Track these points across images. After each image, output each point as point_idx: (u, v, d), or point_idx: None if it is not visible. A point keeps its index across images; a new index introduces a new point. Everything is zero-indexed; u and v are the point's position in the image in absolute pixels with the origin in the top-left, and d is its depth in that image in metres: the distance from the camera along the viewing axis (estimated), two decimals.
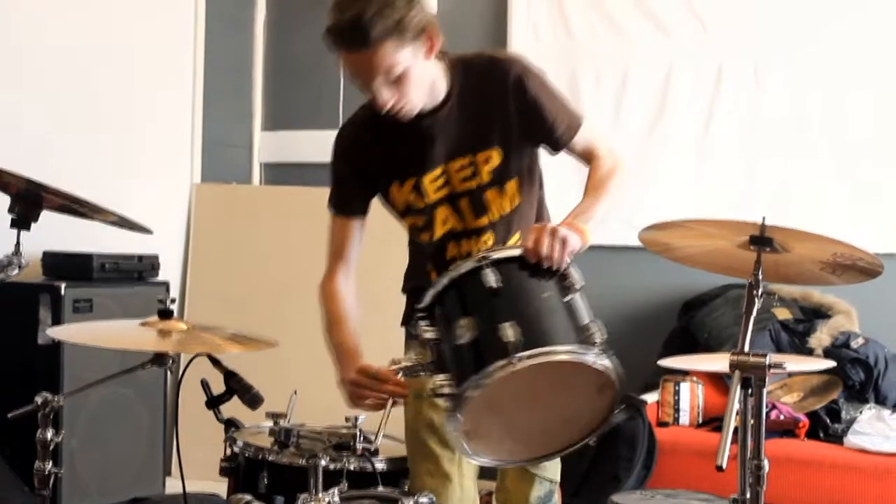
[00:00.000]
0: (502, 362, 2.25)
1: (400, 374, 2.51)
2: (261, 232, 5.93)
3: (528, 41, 5.80)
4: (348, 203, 2.97)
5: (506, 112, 2.79)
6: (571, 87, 5.69)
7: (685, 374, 4.90)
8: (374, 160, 2.89)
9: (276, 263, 5.69)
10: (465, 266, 2.43)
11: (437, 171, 2.84)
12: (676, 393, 4.88)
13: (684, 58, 5.56)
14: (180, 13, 6.09)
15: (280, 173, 6.24)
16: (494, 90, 2.79)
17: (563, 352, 2.31)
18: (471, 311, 2.37)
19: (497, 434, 2.46)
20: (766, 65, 5.43)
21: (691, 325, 5.26)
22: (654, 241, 2.69)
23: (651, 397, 4.96)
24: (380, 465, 2.81)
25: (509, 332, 2.26)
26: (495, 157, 2.82)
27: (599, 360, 2.33)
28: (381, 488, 2.74)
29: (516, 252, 2.45)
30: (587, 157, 2.87)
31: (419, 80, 2.69)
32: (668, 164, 5.57)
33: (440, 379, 2.36)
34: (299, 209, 5.69)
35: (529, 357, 2.26)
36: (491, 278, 2.36)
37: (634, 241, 2.74)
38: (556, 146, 2.87)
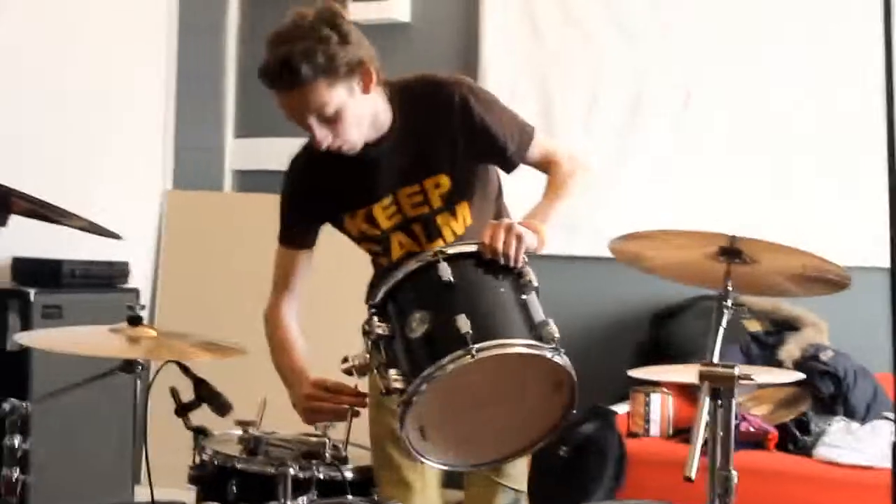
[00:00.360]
0: (458, 353, 2.23)
1: (353, 373, 2.49)
2: (232, 239, 5.91)
3: (499, 50, 5.82)
4: (297, 237, 2.99)
5: (452, 137, 2.78)
6: (542, 95, 5.71)
7: (656, 385, 4.91)
8: (322, 195, 2.90)
9: (248, 271, 5.65)
10: (420, 261, 2.42)
11: (387, 201, 2.85)
12: (647, 404, 4.89)
13: (655, 67, 5.58)
14: (152, 18, 6.07)
15: (252, 180, 6.23)
16: (439, 115, 2.77)
17: (519, 345, 2.30)
18: (424, 305, 2.35)
19: (452, 436, 2.44)
20: (737, 74, 5.45)
21: (662, 336, 5.28)
22: (624, 251, 2.70)
23: (621, 408, 4.97)
24: (349, 474, 2.80)
25: (464, 324, 2.24)
26: (444, 183, 2.82)
27: (556, 356, 2.32)
28: (350, 497, 2.73)
29: (472, 248, 2.44)
30: (545, 165, 2.86)
31: (356, 116, 2.68)
32: (639, 174, 5.58)
33: (392, 374, 2.33)
34: (271, 217, 5.64)
35: (486, 349, 2.24)
36: (446, 272, 2.34)
37: (605, 252, 2.74)
38: (509, 166, 2.87)
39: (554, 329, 2.36)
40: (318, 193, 2.91)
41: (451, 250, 2.42)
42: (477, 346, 2.23)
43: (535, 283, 2.43)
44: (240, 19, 6.36)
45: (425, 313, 2.33)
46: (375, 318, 2.41)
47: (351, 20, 2.66)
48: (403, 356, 2.35)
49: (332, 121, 2.65)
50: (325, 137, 2.67)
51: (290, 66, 2.56)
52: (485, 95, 2.84)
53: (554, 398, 2.40)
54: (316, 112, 2.62)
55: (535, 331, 2.34)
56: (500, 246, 2.40)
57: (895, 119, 1.69)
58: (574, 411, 2.42)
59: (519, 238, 2.42)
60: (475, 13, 5.91)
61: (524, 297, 2.40)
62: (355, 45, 2.64)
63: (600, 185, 5.38)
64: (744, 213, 5.31)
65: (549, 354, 2.30)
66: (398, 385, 2.31)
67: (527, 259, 2.46)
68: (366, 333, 2.40)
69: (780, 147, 5.38)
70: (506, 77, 5.79)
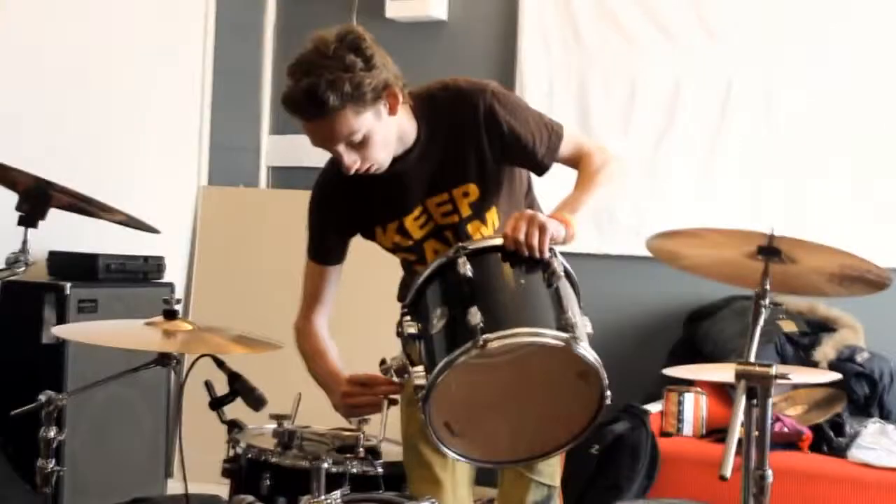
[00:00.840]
0: (468, 345, 2.21)
1: (391, 375, 2.49)
2: (267, 235, 5.93)
3: (538, 50, 5.81)
4: (327, 253, 2.99)
5: (479, 145, 2.74)
6: (581, 96, 5.70)
7: (689, 384, 4.89)
8: (352, 212, 2.89)
9: (282, 266, 5.67)
10: (442, 258, 2.41)
11: (417, 212, 2.83)
12: (680, 403, 4.87)
13: (694, 68, 5.56)
14: (190, 17, 6.10)
15: (287, 177, 6.25)
16: (465, 124, 2.73)
17: (529, 334, 2.26)
18: (446, 300, 2.35)
19: (480, 431, 2.43)
20: (776, 77, 5.42)
21: (696, 335, 5.26)
22: (661, 249, 2.67)
23: (655, 407, 4.95)
24: (382, 469, 2.81)
25: (476, 316, 2.23)
26: (473, 191, 2.80)
27: (574, 346, 2.26)
28: (383, 492, 2.74)
29: (495, 242, 2.43)
30: (576, 160, 2.81)
31: (384, 139, 2.65)
32: (677, 173, 5.56)
33: (416, 371, 2.32)
34: (306, 213, 5.68)
35: (495, 339, 2.21)
36: (466, 267, 2.33)
37: (641, 251, 2.72)
38: (539, 169, 2.83)
39: (579, 321, 2.33)
40: (348, 210, 2.90)
41: (472, 245, 2.41)
42: (486, 336, 2.21)
43: (562, 274, 2.39)
44: (276, 17, 6.38)
45: (445, 308, 2.34)
46: (406, 318, 2.41)
47: (373, 41, 2.62)
48: (425, 352, 2.35)
49: (361, 146, 2.62)
50: (353, 163, 2.64)
51: (316, 96, 2.51)
52: (510, 100, 2.80)
53: (583, 393, 2.37)
54: (345, 139, 2.59)
55: (556, 321, 2.29)
56: (521, 237, 2.37)
57: None
58: (606, 405, 2.37)
59: (542, 228, 2.39)
60: (513, 11, 5.91)
61: (551, 288, 2.37)
62: (380, 67, 2.58)
63: (638, 185, 5.48)
64: (783, 211, 5.29)
65: (563, 343, 2.25)
66: (419, 381, 2.30)
67: (554, 250, 2.43)
68: (399, 334, 2.40)
69: (820, 146, 5.34)
70: (543, 76, 5.78)
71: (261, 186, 6.30)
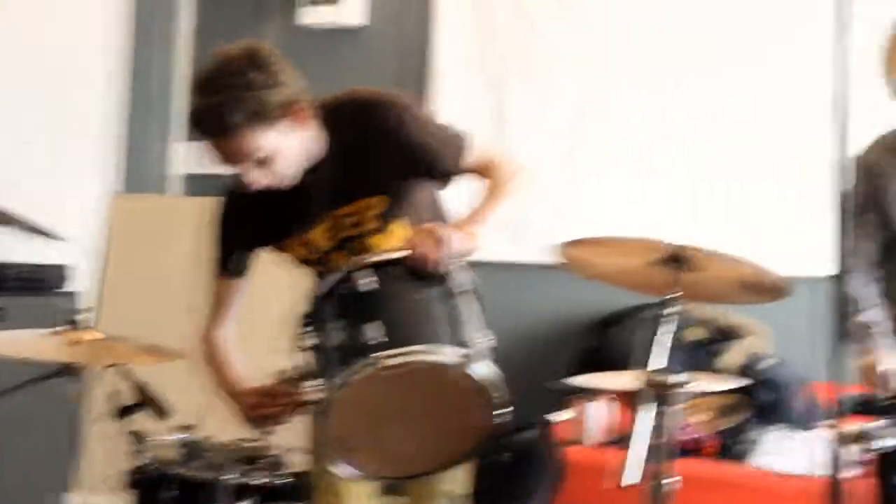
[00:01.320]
0: (362, 363, 2.22)
1: (290, 385, 2.48)
2: (178, 243, 5.86)
3: (451, 53, 5.81)
4: (234, 267, 2.96)
5: (384, 157, 2.73)
6: (495, 99, 5.71)
7: (598, 392, 4.92)
8: (259, 225, 2.87)
9: (194, 275, 5.63)
10: (343, 270, 2.40)
11: (325, 224, 2.82)
12: (587, 412, 4.90)
13: (607, 71, 5.60)
14: (105, 21, 6.01)
15: (201, 184, 6.18)
16: (371, 135, 2.72)
17: (423, 352, 2.27)
18: (344, 314, 2.34)
19: (379, 446, 2.44)
20: (690, 81, 5.49)
21: (606, 343, 5.31)
22: (570, 257, 2.70)
23: (563, 416, 4.98)
24: (288, 480, 2.79)
25: (372, 333, 2.24)
26: (379, 204, 2.79)
27: (468, 365, 2.28)
28: (289, 502, 2.73)
29: (397, 255, 2.42)
30: (482, 172, 2.80)
31: (290, 155, 2.63)
32: (589, 180, 5.59)
33: (311, 385, 2.32)
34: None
35: (391, 357, 2.23)
36: (365, 281, 2.33)
37: (551, 259, 2.74)
38: (445, 179, 2.84)
39: (478, 336, 2.34)
40: (255, 223, 2.87)
41: (374, 259, 2.41)
42: (380, 354, 2.22)
43: (464, 289, 2.40)
44: (191, 22, 6.32)
45: (343, 322, 2.32)
46: (306, 329, 2.39)
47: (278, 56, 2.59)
48: (323, 366, 2.34)
49: (266, 163, 2.60)
50: (259, 179, 2.62)
51: (221, 115, 2.48)
52: (416, 112, 2.79)
53: (480, 408, 2.37)
54: (249, 157, 2.57)
55: (453, 339, 2.31)
56: (424, 251, 2.38)
57: (845, 132, 1.70)
58: (502, 421, 2.39)
59: (444, 243, 2.39)
60: (428, 18, 5.91)
61: (451, 302, 2.37)
62: (285, 83, 2.56)
63: (552, 189, 5.50)
64: (691, 222, 5.35)
65: (458, 362, 2.28)
66: (316, 396, 2.31)
67: (461, 262, 2.43)
68: (298, 344, 2.38)
69: (729, 157, 5.41)
70: (459, 80, 5.79)
71: (174, 194, 6.23)
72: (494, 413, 2.37)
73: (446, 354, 2.27)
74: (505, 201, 2.69)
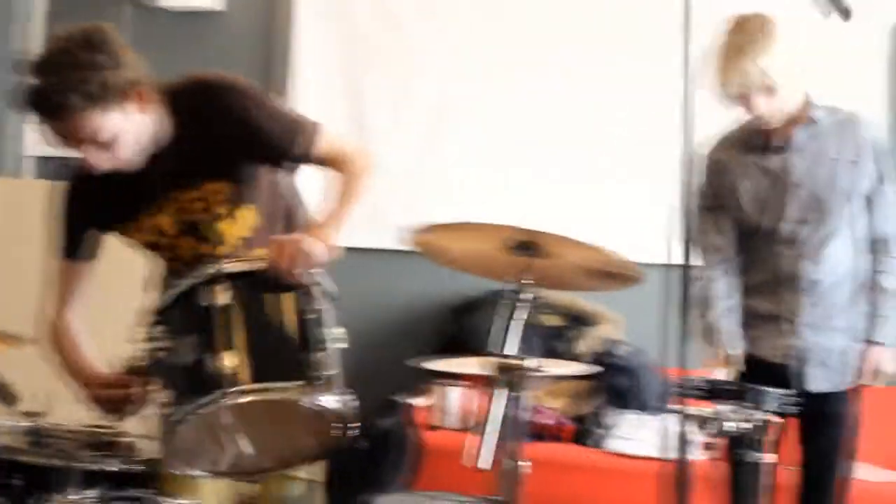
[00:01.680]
0: (214, 395, 2.22)
1: (137, 374, 2.44)
2: (31, 226, 5.72)
3: (310, 41, 5.78)
4: (77, 250, 2.90)
5: (227, 140, 2.69)
6: (353, 88, 5.71)
7: (455, 378, 4.95)
8: (103, 209, 2.81)
9: (45, 259, 5.52)
10: (198, 277, 2.34)
11: (172, 209, 2.78)
12: (445, 397, 4.93)
13: (461, 61, 5.64)
14: None
15: (52, 167, 6.05)
16: (215, 119, 2.67)
17: (274, 389, 2.27)
18: (197, 328, 2.30)
19: (225, 452, 2.43)
20: (541, 72, 5.56)
21: (463, 329, 5.34)
22: (422, 243, 2.70)
23: (420, 401, 5.00)
24: (139, 466, 2.75)
25: (225, 362, 2.22)
26: (224, 189, 2.76)
27: (315, 399, 2.29)
28: (140, 489, 2.68)
29: (255, 266, 2.37)
30: (331, 164, 2.76)
31: (132, 137, 2.58)
32: (445, 169, 5.63)
33: (162, 396, 2.30)
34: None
35: (244, 393, 2.22)
36: (220, 295, 2.29)
37: (407, 245, 2.74)
38: (291, 166, 2.81)
39: (327, 359, 2.33)
40: (99, 207, 2.81)
41: (230, 268, 2.35)
42: (235, 389, 2.22)
43: (320, 303, 2.37)
44: (46, 5, 6.16)
45: (194, 339, 2.29)
46: (155, 328, 2.35)
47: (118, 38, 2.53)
48: (173, 379, 2.32)
49: (108, 146, 2.55)
50: (101, 161, 2.57)
51: (58, 97, 2.43)
52: (260, 97, 2.74)
53: (325, 431, 2.39)
54: (90, 139, 2.51)
55: (306, 368, 2.30)
56: (284, 264, 2.34)
57: (691, 123, 1.74)
58: (349, 436, 2.41)
59: (306, 255, 2.36)
60: (287, 3, 5.86)
61: (309, 318, 2.35)
62: (127, 65, 2.51)
63: (408, 180, 5.53)
64: (545, 209, 5.40)
65: (306, 400, 2.29)
66: (164, 410, 2.29)
67: (320, 271, 2.39)
68: (147, 339, 2.35)
69: (583, 145, 5.50)
70: (317, 68, 5.76)
71: (24, 177, 6.09)
72: (340, 436, 2.40)
73: (296, 391, 2.28)
74: (359, 200, 2.66)
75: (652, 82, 5.29)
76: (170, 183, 2.74)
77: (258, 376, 2.25)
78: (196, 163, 2.72)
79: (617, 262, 2.55)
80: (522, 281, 2.53)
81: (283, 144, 2.72)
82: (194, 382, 2.25)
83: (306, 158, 2.75)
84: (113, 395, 2.70)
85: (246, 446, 2.42)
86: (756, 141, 3.32)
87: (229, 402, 2.21)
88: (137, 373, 2.42)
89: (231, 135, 2.67)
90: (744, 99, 3.18)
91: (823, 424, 3.31)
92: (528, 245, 2.51)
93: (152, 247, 2.86)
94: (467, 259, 2.74)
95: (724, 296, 3.34)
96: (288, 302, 2.35)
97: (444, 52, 5.66)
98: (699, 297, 3.35)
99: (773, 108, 3.19)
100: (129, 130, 2.56)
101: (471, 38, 5.64)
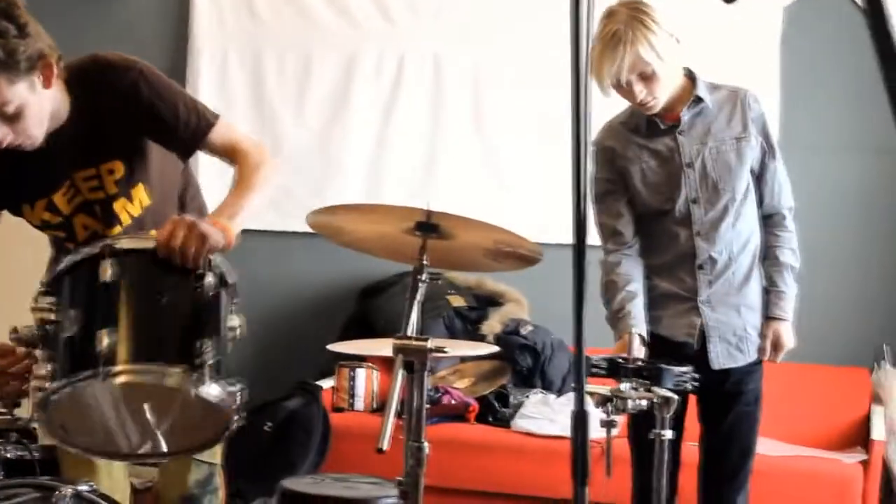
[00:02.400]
0: (88, 373, 2.16)
1: (20, 345, 2.39)
2: None
3: (211, 24, 5.73)
4: None
5: (124, 121, 2.66)
6: (255, 71, 5.68)
7: (362, 360, 4.95)
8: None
9: None
10: (87, 252, 2.29)
11: (65, 187, 2.74)
12: (352, 378, 4.94)
13: (368, 45, 5.62)
14: None
15: None
16: (109, 99, 2.64)
17: (150, 371, 2.20)
18: (80, 303, 2.25)
19: (103, 432, 2.38)
20: (446, 56, 5.56)
21: (369, 311, 5.34)
22: (323, 225, 2.69)
23: (328, 383, 5.00)
24: (38, 453, 2.72)
25: (104, 340, 2.16)
26: (119, 168, 2.73)
27: (193, 388, 2.22)
28: (39, 476, 2.65)
29: (146, 244, 2.31)
30: (230, 155, 2.73)
31: (38, 112, 2.53)
32: (349, 150, 5.62)
33: (42, 368, 2.24)
34: None
35: (116, 374, 2.17)
36: (107, 271, 2.23)
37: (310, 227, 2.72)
38: (184, 150, 2.76)
39: (211, 349, 2.26)
40: None
41: (120, 244, 2.29)
42: (109, 368, 2.16)
43: (214, 287, 2.31)
44: None
45: (78, 313, 2.24)
46: (43, 299, 2.30)
47: (25, 10, 2.46)
48: (55, 351, 2.26)
49: (15, 119, 2.50)
50: (4, 136, 2.51)
51: None
52: (159, 80, 2.70)
53: (211, 413, 2.32)
54: None
55: (186, 352, 2.23)
56: (177, 244, 2.27)
57: (580, 105, 1.74)
58: (234, 427, 2.34)
59: (201, 237, 2.29)
60: None
61: (197, 304, 2.29)
62: (34, 36, 2.45)
63: (313, 160, 5.52)
64: (446, 190, 5.43)
65: (183, 385, 2.21)
66: (41, 382, 2.23)
67: (210, 260, 2.33)
68: (33, 310, 2.30)
69: (486, 126, 5.52)
70: (217, 47, 5.72)
71: None
72: (224, 425, 2.34)
73: (174, 377, 2.21)
74: (257, 195, 2.60)
75: (549, 55, 5.33)
76: (66, 164, 2.71)
77: (139, 357, 2.20)
78: (90, 141, 2.69)
79: (516, 242, 2.56)
80: (422, 261, 2.52)
81: (176, 130, 2.69)
82: (73, 357, 2.20)
83: (198, 142, 2.71)
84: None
85: (129, 428, 2.37)
86: (643, 124, 3.35)
87: (100, 381, 2.16)
88: (24, 343, 2.35)
89: (123, 113, 2.64)
90: (623, 87, 3.20)
91: (725, 401, 3.35)
92: (428, 226, 2.51)
93: (46, 227, 2.82)
94: (368, 240, 2.74)
95: (627, 279, 3.37)
96: (180, 284, 2.30)
97: (347, 29, 5.64)
98: (603, 283, 3.38)
99: (653, 93, 3.21)
100: (35, 104, 2.51)
101: (371, 12, 5.64)
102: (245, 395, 2.32)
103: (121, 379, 2.17)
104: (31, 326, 2.32)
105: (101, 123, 2.66)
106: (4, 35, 2.39)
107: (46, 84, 2.53)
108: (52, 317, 2.27)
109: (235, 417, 2.31)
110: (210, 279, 2.30)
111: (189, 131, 2.69)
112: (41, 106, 2.54)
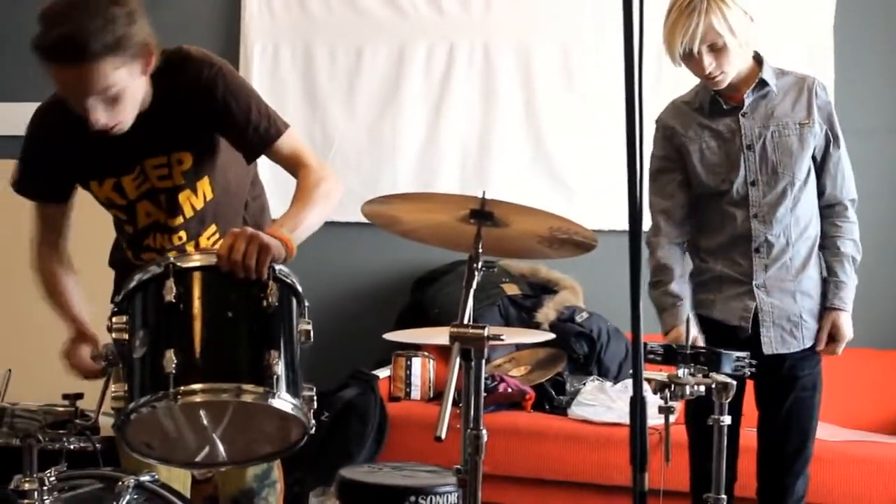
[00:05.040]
0: (159, 394, 2.18)
1: (100, 363, 2.42)
2: None
3: (263, 17, 5.76)
4: (37, 187, 2.88)
5: (197, 114, 2.71)
6: (306, 64, 5.69)
7: (417, 348, 4.97)
8: (70, 155, 2.79)
9: None
10: (150, 271, 2.31)
11: (135, 172, 2.79)
12: (408, 368, 4.95)
13: (418, 37, 5.63)
14: None
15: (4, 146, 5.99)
16: (186, 91, 2.69)
17: (222, 391, 2.21)
18: (147, 323, 2.27)
19: (181, 447, 2.43)
20: (496, 46, 5.56)
21: (424, 300, 5.35)
22: (379, 214, 2.70)
23: (384, 372, 5.01)
24: (100, 445, 2.74)
25: (171, 360, 2.17)
26: (187, 160, 2.78)
27: (268, 400, 2.23)
28: (101, 467, 2.68)
29: (208, 261, 2.31)
30: (293, 166, 2.75)
31: (134, 98, 2.59)
32: (401, 141, 5.63)
33: (116, 388, 2.28)
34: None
35: (186, 394, 2.18)
36: (170, 291, 2.24)
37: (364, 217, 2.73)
38: (250, 152, 2.78)
39: (279, 357, 2.26)
40: (66, 151, 2.80)
41: (182, 263, 2.30)
42: (179, 388, 2.17)
43: (278, 300, 2.31)
44: None
45: (147, 333, 2.26)
46: (116, 318, 2.32)
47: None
48: (127, 372, 2.29)
49: (112, 102, 2.53)
50: (102, 119, 2.54)
51: (77, 41, 2.39)
52: (235, 80, 2.75)
53: (285, 423, 2.35)
54: (99, 92, 2.49)
55: (257, 367, 2.23)
56: (239, 257, 2.27)
57: (634, 95, 1.74)
58: (309, 433, 2.37)
59: (263, 248, 2.30)
60: None
61: (262, 317, 2.30)
62: (143, 24, 2.51)
63: (364, 152, 5.53)
64: (498, 179, 5.43)
65: (258, 399, 2.22)
66: (118, 403, 2.26)
67: (274, 269, 2.33)
68: (109, 329, 2.33)
69: (538, 115, 5.51)
70: (268, 39, 5.75)
71: None
72: (301, 431, 2.37)
73: (247, 392, 2.22)
74: (317, 211, 2.62)
75: (602, 41, 5.33)
76: (141, 150, 2.75)
77: (209, 376, 2.21)
78: (166, 131, 2.73)
79: (571, 229, 2.56)
80: (477, 249, 2.52)
81: (244, 131, 2.73)
82: (144, 378, 2.23)
83: (264, 147, 2.75)
84: (76, 361, 2.75)
85: (206, 442, 2.40)
86: (707, 104, 3.34)
87: (171, 402, 2.18)
88: (106, 362, 2.40)
89: (199, 106, 2.69)
90: (693, 58, 3.19)
91: (782, 386, 3.33)
92: (482, 214, 2.51)
93: (111, 205, 2.87)
94: (423, 230, 2.74)
95: (677, 262, 3.36)
96: (245, 297, 2.30)
97: (396, 21, 5.64)
98: (652, 265, 3.37)
99: (721, 67, 3.19)
100: (133, 91, 2.56)
101: (421, 4, 5.65)
102: (313, 402, 2.35)
103: (192, 398, 2.19)
104: (109, 345, 2.37)
105: (176, 114, 2.71)
106: (115, 21, 2.44)
107: (144, 71, 2.58)
108: (125, 336, 2.29)
109: (311, 423, 2.34)
110: (274, 289, 2.30)
111: (257, 135, 2.73)
112: (137, 92, 2.60)
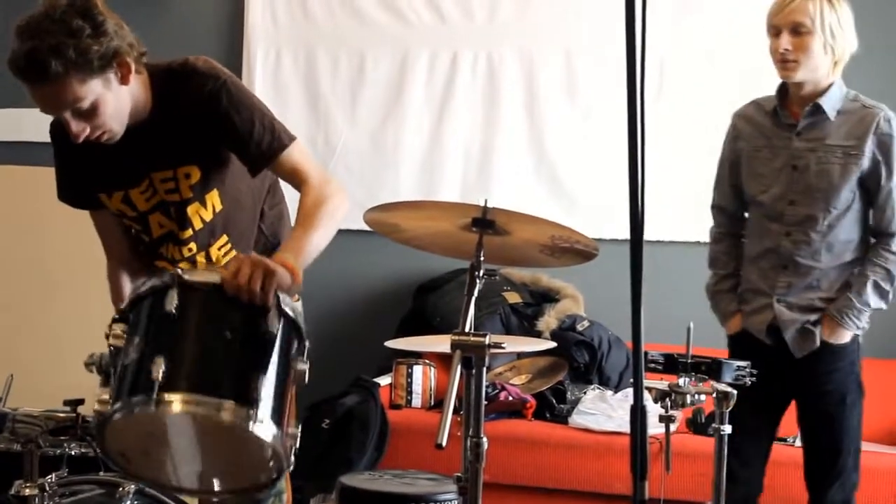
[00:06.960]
0: (141, 398, 2.13)
1: (91, 370, 2.41)
2: None
3: (265, 23, 5.76)
4: (68, 196, 2.95)
5: (201, 127, 2.71)
6: (309, 71, 5.70)
7: (419, 356, 4.97)
8: (80, 165, 2.83)
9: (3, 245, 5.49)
10: (156, 282, 2.29)
11: (144, 185, 2.81)
12: (409, 375, 4.95)
13: (421, 44, 5.63)
14: None
15: (4, 152, 5.99)
16: (191, 105, 2.70)
17: (204, 404, 2.14)
18: (144, 331, 2.24)
19: (159, 463, 2.36)
20: (499, 54, 5.56)
21: (425, 308, 5.34)
22: (380, 222, 2.70)
23: (385, 380, 5.01)
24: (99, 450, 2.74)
25: (159, 368, 2.12)
26: (195, 173, 2.79)
27: (248, 426, 2.14)
28: (102, 473, 2.68)
29: (213, 279, 2.29)
30: (295, 181, 2.74)
31: (114, 108, 2.59)
32: (403, 149, 5.64)
33: (101, 391, 2.23)
34: (24, 189, 5.49)
35: (170, 402, 2.12)
36: (172, 302, 2.21)
37: (366, 225, 2.73)
38: (253, 165, 2.78)
39: (270, 386, 2.20)
40: (77, 161, 2.84)
41: (189, 277, 2.27)
42: (162, 395, 2.11)
43: (278, 329, 2.26)
44: None
45: (141, 340, 2.23)
46: (115, 326, 2.29)
47: (106, 8, 2.53)
48: (115, 379, 2.24)
49: (89, 115, 2.56)
50: (81, 131, 2.57)
51: (38, 61, 2.42)
52: (239, 93, 2.74)
53: (262, 456, 2.25)
54: (70, 106, 2.52)
55: (243, 391, 2.17)
56: (244, 282, 2.24)
57: (636, 104, 1.74)
58: (288, 469, 2.27)
59: (269, 275, 2.26)
60: None
61: (261, 340, 2.25)
62: (111, 35, 2.51)
63: (365, 159, 5.54)
64: (500, 187, 5.43)
65: (237, 422, 2.15)
66: (101, 407, 2.20)
67: (279, 297, 2.29)
68: (106, 336, 2.31)
69: (541, 124, 5.51)
70: (271, 45, 5.75)
71: None
72: (272, 468, 2.27)
73: (227, 412, 2.14)
74: (322, 232, 2.60)
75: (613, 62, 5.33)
76: (148, 163, 2.77)
77: (195, 388, 2.16)
78: (173, 144, 2.75)
79: (573, 237, 2.56)
80: (478, 258, 2.53)
81: (247, 145, 2.73)
82: (130, 381, 2.18)
83: (267, 161, 2.74)
84: None
85: (184, 462, 2.36)
86: (772, 112, 3.37)
87: (152, 407, 2.12)
88: (98, 369, 2.38)
89: (202, 119, 2.70)
90: (775, 36, 3.24)
91: (814, 402, 3.38)
92: (484, 222, 2.51)
93: (122, 216, 2.90)
94: (424, 237, 2.74)
95: (723, 262, 3.47)
96: (245, 321, 2.26)
97: (399, 28, 5.65)
98: (709, 260, 3.56)
99: (796, 55, 3.21)
100: (112, 102, 2.57)
101: (424, 12, 5.64)
102: (294, 439, 2.26)
103: (170, 407, 2.13)
104: (104, 353, 2.33)
105: (181, 127, 2.72)
106: (78, 35, 2.45)
107: (124, 81, 2.59)
108: (121, 343, 2.26)
109: (290, 460, 2.25)
110: (276, 317, 2.27)
111: (260, 149, 2.73)
112: (118, 103, 2.61)
